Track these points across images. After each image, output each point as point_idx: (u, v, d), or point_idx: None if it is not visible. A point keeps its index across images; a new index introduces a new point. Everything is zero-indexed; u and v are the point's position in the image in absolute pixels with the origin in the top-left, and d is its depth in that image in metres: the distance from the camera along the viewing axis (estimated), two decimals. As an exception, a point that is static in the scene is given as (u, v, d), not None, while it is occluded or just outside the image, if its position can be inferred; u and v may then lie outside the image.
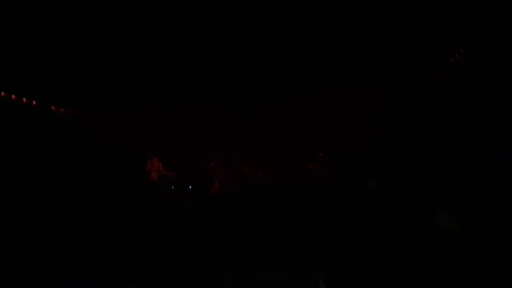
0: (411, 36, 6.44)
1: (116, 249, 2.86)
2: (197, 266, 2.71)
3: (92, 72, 6.68)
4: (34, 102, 6.04)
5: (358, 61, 7.13)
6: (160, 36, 6.31)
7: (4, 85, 5.62)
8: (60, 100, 6.84)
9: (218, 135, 8.59)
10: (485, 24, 5.58)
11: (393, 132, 6.38)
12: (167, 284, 2.48)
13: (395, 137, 6.17)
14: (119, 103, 7.68)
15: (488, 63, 5.42)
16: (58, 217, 3.65)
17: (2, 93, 5.45)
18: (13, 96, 5.60)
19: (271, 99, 8.29)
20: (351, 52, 6.97)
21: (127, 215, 3.63)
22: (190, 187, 7.90)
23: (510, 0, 5.24)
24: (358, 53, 6.98)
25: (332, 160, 7.13)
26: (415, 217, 3.86)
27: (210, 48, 6.81)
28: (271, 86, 8.06)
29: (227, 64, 7.44)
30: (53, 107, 6.63)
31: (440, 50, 6.58)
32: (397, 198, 4.43)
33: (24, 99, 5.84)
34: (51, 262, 2.83)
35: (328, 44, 6.82)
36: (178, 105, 8.20)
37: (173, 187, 7.66)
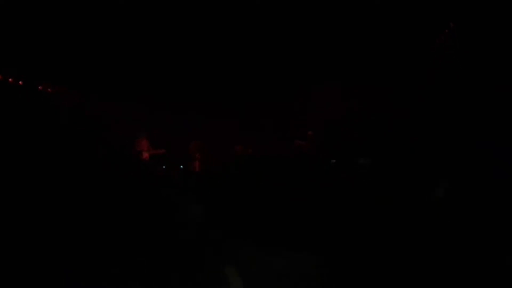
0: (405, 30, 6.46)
1: (112, 243, 2.74)
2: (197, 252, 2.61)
3: (83, 54, 6.54)
4: (20, 82, 5.85)
5: (348, 55, 7.16)
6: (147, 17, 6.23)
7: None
8: (48, 79, 6.69)
9: (210, 115, 8.55)
10: (485, 23, 5.57)
11: (390, 125, 6.38)
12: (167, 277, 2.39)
13: (392, 132, 6.16)
14: (107, 83, 7.57)
15: (488, 63, 5.42)
16: (46, 204, 3.50)
17: None
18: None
19: (263, 84, 8.28)
20: (339, 43, 7.00)
21: (122, 203, 3.50)
22: (182, 166, 7.87)
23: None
24: (350, 47, 7.01)
25: (322, 138, 7.14)
26: (411, 208, 3.85)
27: (192, 31, 6.78)
28: (263, 72, 8.06)
29: (218, 52, 7.42)
30: (40, 87, 6.45)
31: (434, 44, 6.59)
32: (389, 184, 4.42)
33: (10, 79, 5.65)
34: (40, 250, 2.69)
35: (310, 34, 6.87)
36: (169, 88, 8.13)
37: (164, 166, 7.63)
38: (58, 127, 5.85)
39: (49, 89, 6.59)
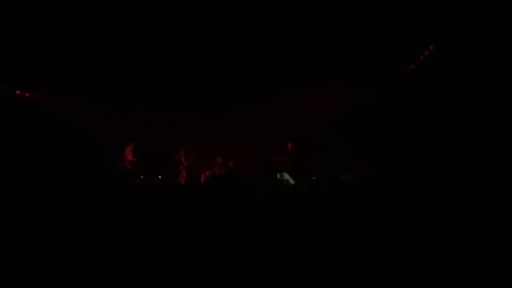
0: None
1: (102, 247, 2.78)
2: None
3: (80, 62, 6.61)
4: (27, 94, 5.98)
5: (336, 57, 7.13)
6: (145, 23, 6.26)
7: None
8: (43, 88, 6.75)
9: (190, 126, 8.57)
10: (485, 23, 5.57)
11: (387, 129, 6.38)
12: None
13: (390, 135, 6.17)
14: (105, 84, 7.58)
15: (488, 63, 5.41)
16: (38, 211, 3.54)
17: None
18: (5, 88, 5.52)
19: (244, 92, 8.25)
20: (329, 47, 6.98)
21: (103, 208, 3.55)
22: (160, 176, 7.91)
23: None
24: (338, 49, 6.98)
25: (301, 151, 7.17)
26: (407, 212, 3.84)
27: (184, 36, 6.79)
28: (246, 80, 8.04)
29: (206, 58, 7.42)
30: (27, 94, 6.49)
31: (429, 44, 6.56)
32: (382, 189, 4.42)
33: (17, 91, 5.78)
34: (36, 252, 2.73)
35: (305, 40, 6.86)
36: (157, 96, 8.14)
37: (142, 176, 7.65)
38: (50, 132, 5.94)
39: (41, 94, 6.65)
